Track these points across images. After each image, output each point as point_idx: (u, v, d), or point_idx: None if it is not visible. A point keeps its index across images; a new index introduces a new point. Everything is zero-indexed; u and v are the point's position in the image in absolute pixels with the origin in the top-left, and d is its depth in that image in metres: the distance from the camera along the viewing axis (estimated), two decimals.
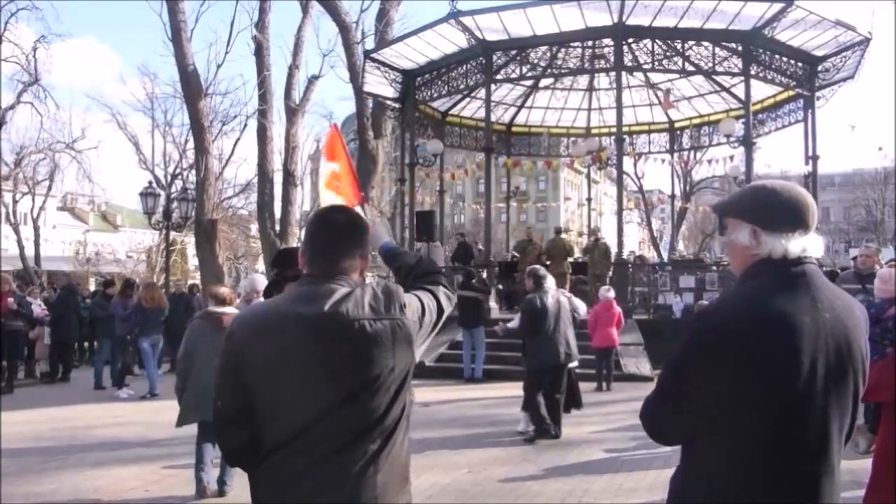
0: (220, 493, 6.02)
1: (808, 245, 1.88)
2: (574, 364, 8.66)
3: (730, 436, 1.80)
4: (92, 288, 22.59)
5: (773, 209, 1.90)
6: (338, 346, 2.00)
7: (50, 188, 38.10)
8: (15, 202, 36.31)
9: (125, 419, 9.74)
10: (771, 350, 1.76)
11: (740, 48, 14.92)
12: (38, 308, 14.20)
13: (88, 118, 73.41)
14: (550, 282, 8.73)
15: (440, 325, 2.29)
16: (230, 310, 6.14)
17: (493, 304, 14.51)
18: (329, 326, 2.01)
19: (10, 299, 12.76)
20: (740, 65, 15.05)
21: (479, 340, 12.76)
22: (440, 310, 2.28)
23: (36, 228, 37.09)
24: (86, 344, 16.36)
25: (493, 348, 12.74)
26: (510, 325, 9.44)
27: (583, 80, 20.00)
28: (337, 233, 2.17)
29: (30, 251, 35.60)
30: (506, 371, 11.98)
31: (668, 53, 15.21)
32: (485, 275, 15.36)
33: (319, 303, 2.03)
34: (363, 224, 2.25)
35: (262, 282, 7.12)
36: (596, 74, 18.52)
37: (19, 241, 35.11)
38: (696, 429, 1.85)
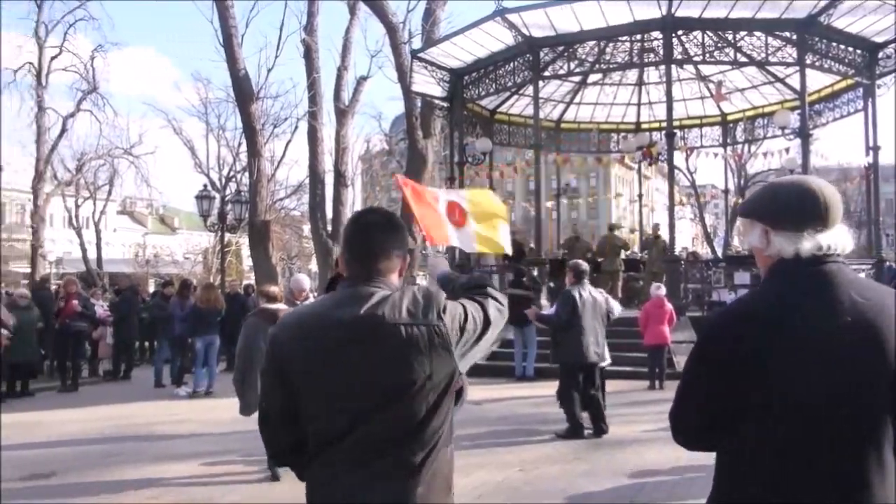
0: (275, 476, 6.43)
1: (827, 242, 1.74)
2: (605, 363, 8.55)
3: (734, 443, 1.73)
4: (151, 289, 23.20)
5: (779, 206, 1.79)
6: (373, 349, 2.00)
7: (110, 193, 39.18)
8: (77, 207, 37.43)
9: (183, 416, 9.99)
10: (754, 356, 1.66)
11: (795, 37, 14.53)
12: (100, 309, 14.65)
13: (145, 124, 75.59)
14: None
15: (487, 336, 2.20)
16: (281, 306, 6.67)
17: (543, 301, 14.43)
18: (365, 330, 2.01)
19: (75, 301, 13.20)
20: (795, 54, 14.66)
21: (530, 339, 12.72)
22: (486, 320, 2.20)
23: (97, 232, 38.22)
24: (146, 343, 16.83)
25: (545, 346, 12.65)
26: (545, 311, 9.44)
27: (632, 75, 19.75)
28: (373, 234, 2.16)
29: (92, 254, 36.75)
30: (557, 369, 11.88)
31: (719, 45, 14.92)
32: (535, 273, 15.28)
33: (356, 306, 2.04)
34: (400, 224, 2.24)
35: (305, 282, 7.68)
36: (645, 68, 18.27)
37: (82, 245, 36.23)
38: (715, 435, 1.78)
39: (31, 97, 30.04)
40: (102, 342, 14.68)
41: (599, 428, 8.08)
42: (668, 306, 11.53)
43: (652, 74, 19.38)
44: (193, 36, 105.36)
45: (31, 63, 29.92)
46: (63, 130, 31.18)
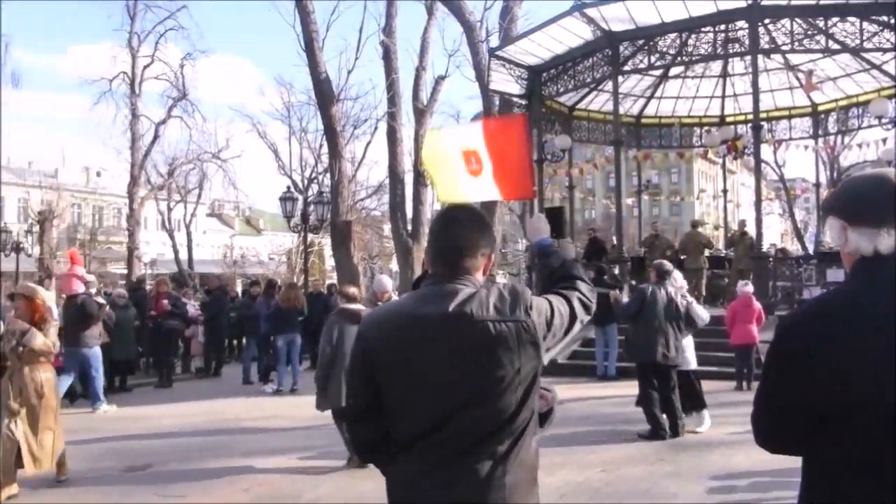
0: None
1: None
2: (683, 366, 8.32)
3: (816, 446, 1.67)
4: (239, 289, 23.95)
5: (857, 201, 1.70)
6: (462, 346, 2.02)
7: (200, 196, 40.61)
8: (169, 210, 38.92)
9: (270, 412, 10.28)
10: (824, 357, 1.59)
11: (892, 21, 13.84)
12: (192, 308, 15.21)
13: (232, 129, 77.74)
14: (679, 280, 8.52)
15: (573, 330, 2.23)
16: (360, 306, 7.07)
17: (625, 299, 14.20)
18: (453, 327, 2.03)
19: (165, 301, 13.75)
20: (893, 39, 13.97)
21: (612, 338, 12.55)
22: (572, 315, 2.22)
23: (188, 234, 39.68)
24: (235, 342, 17.38)
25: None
26: (623, 300, 9.34)
27: (716, 67, 19.19)
28: (460, 231, 2.17)
29: (183, 255, 38.17)
30: (640, 373, 11.71)
31: (809, 32, 14.34)
32: (617, 271, 15.07)
33: (444, 303, 2.05)
34: (486, 221, 2.25)
35: (388, 283, 8.00)
36: (730, 59, 17.75)
37: (174, 246, 37.69)
38: (796, 438, 1.72)
39: (125, 105, 31.45)
40: (194, 340, 15.24)
41: (674, 431, 7.95)
42: (756, 305, 11.19)
43: (737, 65, 18.78)
44: (277, 42, 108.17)
45: (125, 73, 31.33)
46: (155, 137, 32.53)
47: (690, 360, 8.45)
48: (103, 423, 9.81)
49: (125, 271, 32.89)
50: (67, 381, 10.29)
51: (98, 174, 45.66)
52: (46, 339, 6.35)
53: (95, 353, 10.63)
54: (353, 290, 7.51)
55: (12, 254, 25.44)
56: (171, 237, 38.32)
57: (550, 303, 2.18)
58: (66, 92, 63.44)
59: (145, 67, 31.66)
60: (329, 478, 6.60)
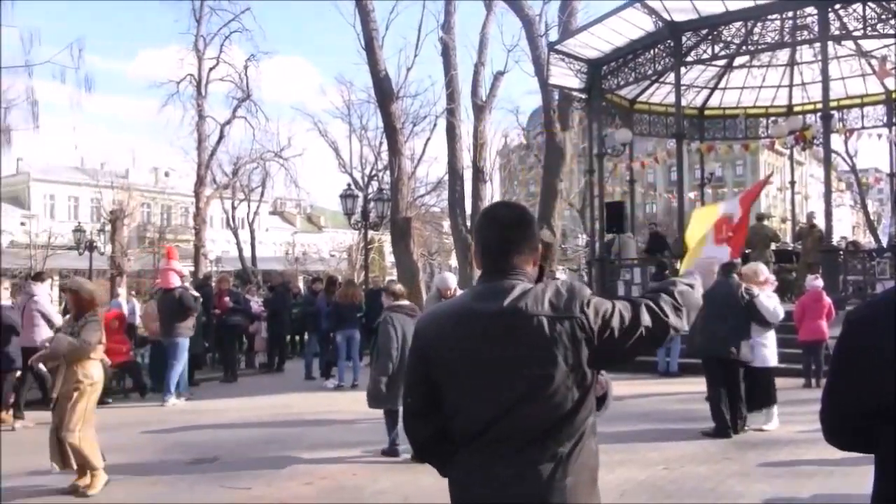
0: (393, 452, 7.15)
1: None
2: (770, 364, 8.11)
3: (885, 444, 1.59)
4: (301, 286, 24.34)
5: None
6: (518, 342, 2.01)
7: (262, 194, 41.30)
8: (234, 208, 39.74)
9: (332, 407, 10.43)
10: (894, 352, 1.52)
11: None
12: (255, 305, 15.53)
13: (293, 128, 79.33)
14: (763, 274, 8.31)
15: (636, 336, 2.11)
16: (406, 303, 7.33)
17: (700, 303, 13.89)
18: (508, 323, 2.03)
19: (227, 298, 14.07)
20: None
21: None
22: (635, 319, 2.11)
23: (252, 232, 40.45)
24: (297, 338, 17.67)
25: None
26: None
27: (783, 55, 18.65)
28: (504, 230, 2.16)
29: (247, 252, 38.95)
30: (701, 365, 11.48)
31: (882, 16, 13.76)
32: (678, 265, 14.77)
33: (498, 299, 2.05)
34: (530, 218, 2.23)
35: (451, 280, 7.99)
36: (798, 47, 17.21)
37: (238, 244, 38.49)
38: (866, 436, 1.64)
39: (192, 107, 32.21)
40: (258, 336, 15.55)
41: (733, 428, 7.81)
42: (826, 300, 10.84)
43: (805, 53, 18.19)
44: (337, 41, 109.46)
45: (191, 75, 32.08)
46: (221, 137, 33.21)
47: (768, 357, 8.18)
48: (173, 415, 10.10)
49: (192, 268, 33.76)
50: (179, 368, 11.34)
51: (166, 174, 46.95)
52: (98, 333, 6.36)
53: (183, 345, 11.24)
54: (398, 287, 7.64)
55: (86, 252, 26.34)
56: (236, 235, 39.12)
57: (614, 304, 2.14)
58: (136, 95, 65.43)
59: (211, 69, 32.35)
60: (390, 472, 6.66)
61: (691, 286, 2.34)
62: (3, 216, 38.59)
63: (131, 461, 7.41)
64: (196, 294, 11.69)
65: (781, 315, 8.17)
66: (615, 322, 2.08)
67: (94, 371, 6.35)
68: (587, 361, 2.04)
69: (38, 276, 11.30)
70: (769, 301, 8.07)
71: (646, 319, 2.12)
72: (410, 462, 6.76)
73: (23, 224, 41.09)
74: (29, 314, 9.84)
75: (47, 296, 10.87)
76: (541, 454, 1.99)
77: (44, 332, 9.50)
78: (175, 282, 11.42)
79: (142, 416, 10.15)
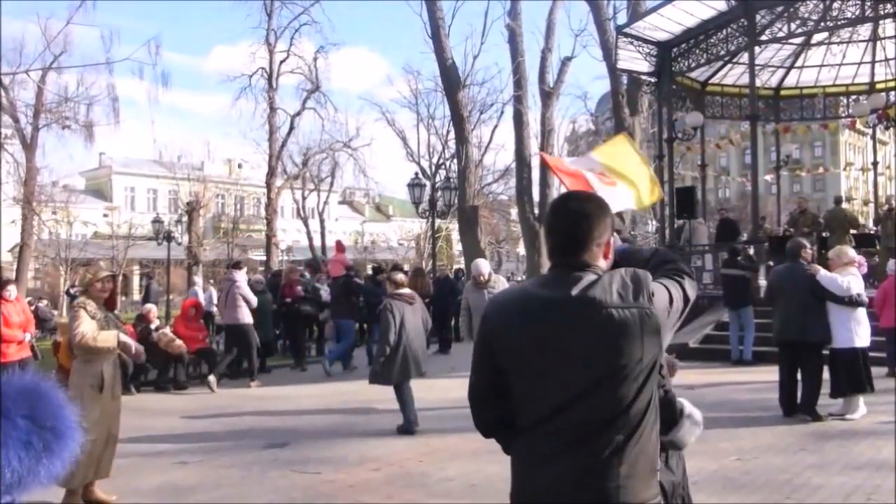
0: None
1: None
2: (854, 345, 7.80)
3: None
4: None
5: None
6: (585, 332, 2.01)
7: (332, 184, 41.96)
8: (304, 198, 40.45)
9: None
10: None
11: None
12: (325, 293, 15.75)
13: (361, 118, 79.80)
14: (848, 255, 8.04)
15: (685, 314, 2.19)
16: (406, 290, 8.11)
17: (762, 281, 13.52)
18: (576, 312, 2.02)
19: (299, 287, 14.33)
20: None
21: (748, 321, 12.01)
22: (686, 298, 2.17)
23: (322, 221, 41.12)
24: (364, 326, 17.85)
25: (764, 329, 11.91)
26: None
27: (864, 30, 17.86)
28: (578, 223, 2.13)
29: (317, 242, 39.63)
30: (777, 353, 11.15)
31: None
32: (752, 251, 14.35)
33: (567, 288, 2.05)
34: (605, 208, 2.20)
35: (483, 266, 8.72)
36: (880, 21, 16.45)
37: (308, 234, 39.20)
38: None
39: (263, 99, 32.91)
40: (327, 325, 15.77)
41: (810, 414, 7.67)
42: None
43: (888, 28, 17.39)
44: (404, 31, 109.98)
45: (263, 68, 32.77)
46: (291, 128, 33.90)
47: (852, 339, 7.75)
48: (246, 401, 10.37)
49: (264, 258, 34.54)
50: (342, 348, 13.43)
51: (239, 166, 48.07)
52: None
53: (350, 326, 13.74)
54: (399, 276, 8.44)
55: (164, 242, 27.24)
56: (306, 224, 39.83)
57: (667, 288, 2.13)
58: (210, 90, 67.27)
59: (281, 62, 32.97)
60: (456, 460, 6.69)
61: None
62: (87, 208, 40.19)
63: (207, 445, 7.65)
64: (360, 282, 14.15)
65: (854, 290, 7.74)
66: (674, 306, 2.11)
67: (104, 370, 5.84)
68: (651, 350, 2.03)
69: (237, 265, 13.35)
70: (837, 277, 7.74)
71: (691, 296, 2.20)
72: (480, 447, 6.77)
73: (105, 216, 42.76)
74: (232, 297, 12.01)
75: (245, 280, 12.61)
76: (599, 442, 1.99)
77: (244, 313, 11.95)
78: (342, 271, 13.88)
79: (217, 402, 10.45)
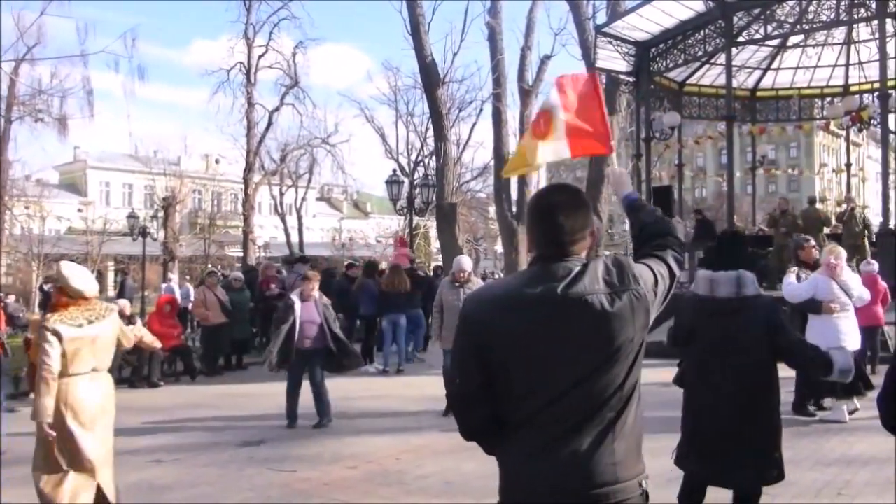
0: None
1: None
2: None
3: None
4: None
5: None
6: (577, 322, 2.02)
7: (310, 181, 41.64)
8: (281, 195, 40.20)
9: (380, 392, 10.50)
10: None
11: None
12: None
13: (340, 114, 79.64)
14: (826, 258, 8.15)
15: (672, 290, 2.24)
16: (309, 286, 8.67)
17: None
18: (567, 304, 2.03)
19: (273, 284, 14.26)
20: None
21: None
22: (671, 275, 2.23)
23: (299, 218, 40.83)
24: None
25: None
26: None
27: (839, 34, 18.10)
28: (560, 217, 2.14)
29: (294, 238, 39.39)
30: None
31: None
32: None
33: (553, 283, 2.06)
34: (585, 202, 2.22)
35: (468, 263, 8.78)
36: (855, 25, 16.68)
37: (286, 230, 38.93)
38: None
39: (241, 94, 32.63)
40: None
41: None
42: (882, 284, 10.52)
43: (863, 31, 17.64)
44: (383, 27, 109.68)
45: (241, 63, 32.49)
46: (269, 124, 33.61)
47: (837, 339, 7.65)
48: (222, 399, 10.30)
49: (241, 254, 34.30)
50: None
51: (216, 161, 47.64)
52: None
53: (420, 315, 13.75)
54: (312, 273, 9.43)
55: (139, 238, 26.94)
56: (283, 221, 39.56)
57: (651, 268, 2.19)
58: (189, 84, 66.60)
59: (260, 57, 32.71)
60: (434, 458, 6.69)
61: (663, 215, 2.47)
62: (61, 203, 39.68)
63: (183, 443, 7.59)
64: (422, 274, 15.18)
65: (798, 295, 7.84)
66: (660, 286, 2.18)
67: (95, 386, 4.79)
68: (642, 329, 2.09)
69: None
70: (788, 278, 8.01)
71: (676, 271, 2.26)
72: (459, 444, 6.78)
73: (79, 211, 42.23)
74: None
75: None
76: (594, 423, 2.03)
77: None
78: (407, 263, 14.56)
79: (193, 400, 10.37)
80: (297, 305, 8.29)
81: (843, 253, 8.12)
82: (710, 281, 4.22)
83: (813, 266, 8.36)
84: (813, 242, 8.88)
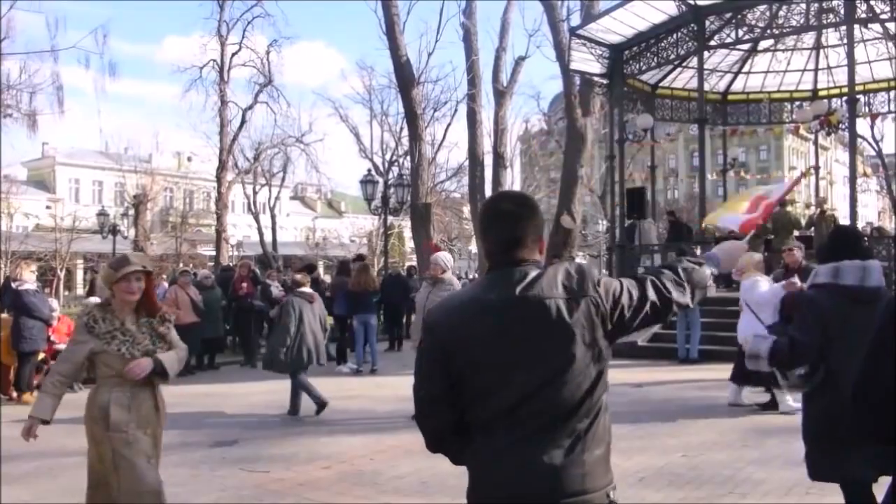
0: None
1: None
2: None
3: None
4: (322, 271, 24.43)
5: None
6: (538, 326, 2.04)
7: (283, 179, 41.42)
8: (255, 193, 39.93)
9: (353, 393, 10.48)
10: None
11: None
12: (276, 290, 15.58)
13: (315, 113, 79.58)
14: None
15: (645, 313, 2.19)
16: (307, 290, 9.17)
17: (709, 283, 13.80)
18: (526, 308, 2.05)
19: (244, 283, 14.17)
20: None
21: (694, 320, 12.25)
22: (642, 295, 2.19)
23: (273, 217, 40.58)
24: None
25: (710, 328, 12.19)
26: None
27: (808, 39, 18.37)
28: (507, 224, 2.18)
29: (268, 237, 39.15)
30: (723, 352, 11.38)
31: None
32: (699, 251, 14.64)
33: (511, 287, 2.08)
34: (533, 207, 2.24)
35: (449, 260, 8.87)
36: (824, 31, 16.93)
37: (259, 229, 38.66)
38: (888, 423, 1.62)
39: (214, 92, 32.37)
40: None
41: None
42: None
43: (831, 37, 17.92)
44: (358, 26, 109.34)
45: (214, 60, 32.22)
46: (242, 122, 33.35)
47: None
48: (194, 398, 10.20)
49: (214, 253, 34.01)
50: None
51: (189, 159, 47.21)
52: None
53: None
54: (300, 276, 9.62)
55: (109, 236, 26.62)
56: (257, 220, 39.29)
57: (621, 283, 2.20)
58: (161, 80, 65.75)
59: (233, 55, 32.44)
60: (408, 458, 6.69)
61: (699, 264, 2.38)
62: (29, 199, 39.07)
63: None
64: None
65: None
66: (625, 300, 2.15)
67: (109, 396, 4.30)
68: (602, 338, 2.09)
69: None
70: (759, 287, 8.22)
71: (651, 295, 2.20)
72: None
73: (48, 208, 41.58)
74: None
75: None
76: (562, 432, 2.03)
77: None
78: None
79: (165, 399, 10.25)
80: (307, 309, 8.80)
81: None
82: (862, 269, 3.80)
83: (799, 269, 8.53)
84: (793, 245, 9.03)
